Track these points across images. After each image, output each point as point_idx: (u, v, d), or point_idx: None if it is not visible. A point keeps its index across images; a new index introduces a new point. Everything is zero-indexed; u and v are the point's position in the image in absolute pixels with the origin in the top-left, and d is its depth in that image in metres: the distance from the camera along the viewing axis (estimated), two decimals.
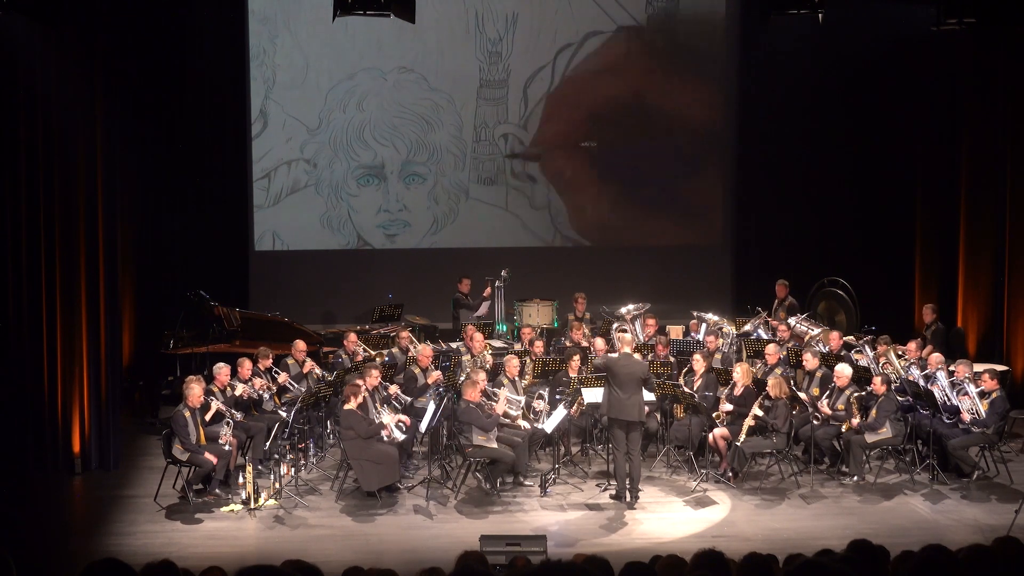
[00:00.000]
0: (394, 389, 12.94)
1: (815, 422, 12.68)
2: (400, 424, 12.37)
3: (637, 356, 12.58)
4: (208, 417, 11.87)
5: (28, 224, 12.48)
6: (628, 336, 12.63)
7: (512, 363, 13.04)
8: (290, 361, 13.73)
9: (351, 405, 11.84)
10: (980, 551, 5.65)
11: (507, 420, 12.43)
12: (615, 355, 12.09)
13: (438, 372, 13.27)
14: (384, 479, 11.83)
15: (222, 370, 12.63)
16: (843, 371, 12.74)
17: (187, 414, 11.70)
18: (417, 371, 13.32)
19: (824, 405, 12.64)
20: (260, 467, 12.34)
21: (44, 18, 12.20)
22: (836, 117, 18.15)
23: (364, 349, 14.33)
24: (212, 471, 11.79)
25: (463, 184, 19.22)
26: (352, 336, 14.43)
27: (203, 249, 17.64)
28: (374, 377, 12.46)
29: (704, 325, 15.33)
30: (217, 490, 11.88)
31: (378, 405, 12.35)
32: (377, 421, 11.96)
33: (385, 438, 12.07)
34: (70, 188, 12.61)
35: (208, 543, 10.80)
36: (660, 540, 10.81)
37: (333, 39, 18.47)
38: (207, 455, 11.70)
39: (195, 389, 11.82)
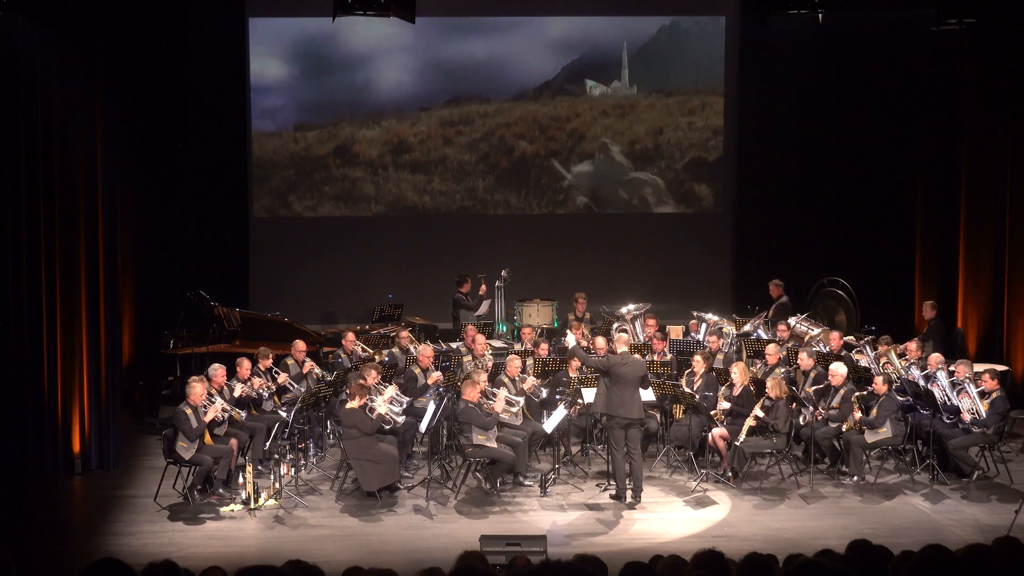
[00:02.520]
0: (393, 389, 12.91)
1: (806, 419, 12.68)
2: (395, 401, 12.32)
3: (636, 356, 12.59)
4: (208, 419, 11.85)
5: (28, 224, 12.48)
6: (625, 335, 12.62)
7: (514, 363, 13.04)
8: (290, 361, 13.72)
9: (355, 404, 11.83)
10: (980, 551, 5.65)
11: (507, 416, 12.41)
12: (614, 355, 12.09)
13: (438, 373, 13.26)
14: (384, 479, 11.83)
15: (219, 371, 12.60)
16: (837, 370, 12.75)
17: (188, 411, 11.70)
18: (418, 371, 13.31)
19: (818, 412, 12.63)
20: (260, 467, 12.34)
21: (44, 18, 12.21)
22: (836, 117, 18.18)
23: (363, 348, 14.32)
24: (212, 471, 11.79)
25: (464, 184, 19.24)
26: (350, 336, 14.41)
27: (203, 249, 17.65)
28: (372, 377, 12.45)
29: (704, 325, 15.33)
30: (220, 490, 11.88)
31: (374, 398, 12.29)
32: (375, 416, 11.92)
33: (387, 427, 12.07)
34: (70, 188, 12.60)
35: (208, 543, 10.79)
36: (660, 540, 10.80)
37: (331, 39, 18.52)
38: (206, 455, 11.73)
39: (197, 388, 11.84)
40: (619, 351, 12.00)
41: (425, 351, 13.48)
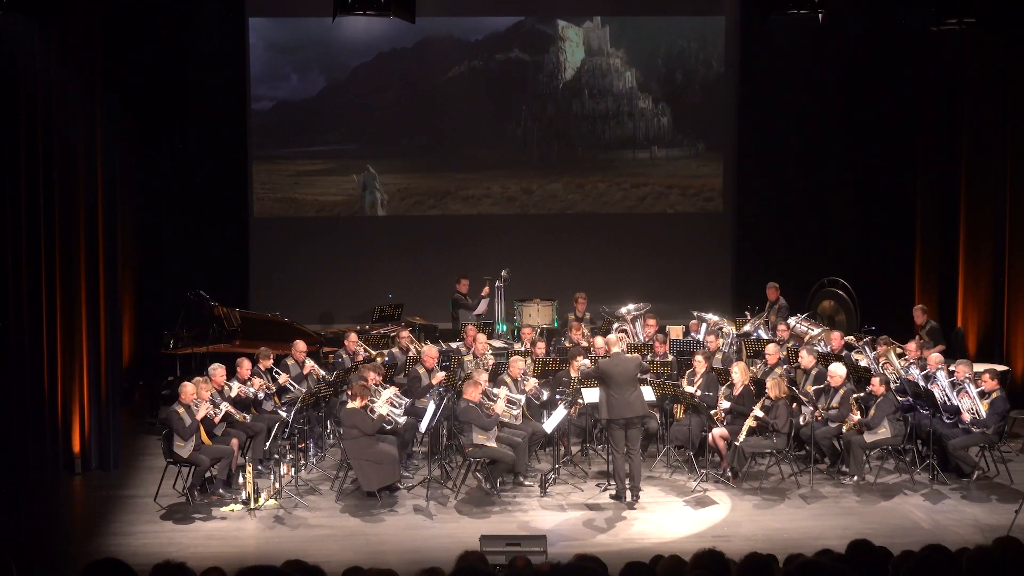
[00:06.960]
0: (392, 390, 12.89)
1: (806, 419, 12.69)
2: (395, 402, 12.31)
3: (629, 355, 12.61)
4: (200, 415, 11.84)
5: (28, 224, 12.49)
6: (614, 337, 12.62)
7: (517, 364, 13.03)
8: (290, 362, 13.71)
9: (356, 404, 11.82)
10: (980, 551, 5.65)
11: (507, 416, 12.41)
12: (605, 358, 12.14)
13: (443, 373, 13.23)
14: (384, 479, 11.83)
15: (217, 371, 12.61)
16: (836, 371, 12.75)
17: (180, 410, 11.71)
18: (422, 371, 13.29)
19: (818, 412, 12.63)
20: (260, 467, 12.34)
21: (44, 18, 12.22)
22: (836, 117, 18.18)
23: (364, 349, 14.32)
24: (209, 471, 11.79)
25: (464, 184, 19.25)
26: (353, 336, 14.41)
27: (203, 249, 17.64)
28: (372, 377, 12.44)
29: (704, 325, 15.33)
30: (221, 490, 11.88)
31: (374, 398, 12.28)
32: (376, 417, 11.92)
33: (387, 427, 12.06)
34: (70, 188, 12.61)
35: (208, 543, 10.79)
36: (660, 540, 10.80)
37: (333, 37, 18.52)
38: (205, 455, 11.73)
39: (187, 387, 11.85)
40: (611, 352, 12.07)
41: (430, 351, 13.47)
